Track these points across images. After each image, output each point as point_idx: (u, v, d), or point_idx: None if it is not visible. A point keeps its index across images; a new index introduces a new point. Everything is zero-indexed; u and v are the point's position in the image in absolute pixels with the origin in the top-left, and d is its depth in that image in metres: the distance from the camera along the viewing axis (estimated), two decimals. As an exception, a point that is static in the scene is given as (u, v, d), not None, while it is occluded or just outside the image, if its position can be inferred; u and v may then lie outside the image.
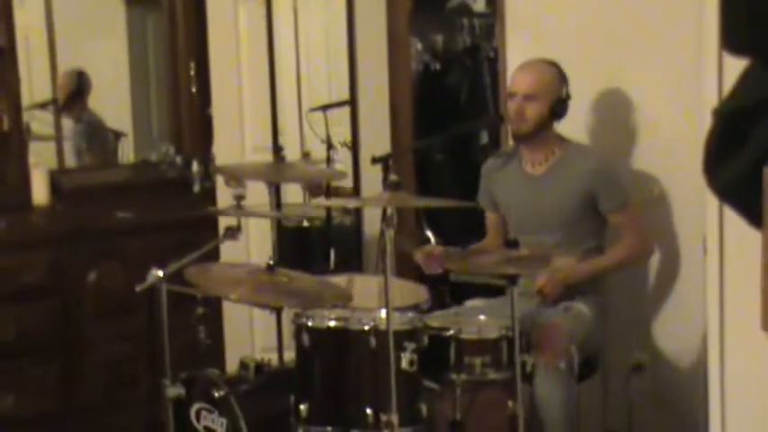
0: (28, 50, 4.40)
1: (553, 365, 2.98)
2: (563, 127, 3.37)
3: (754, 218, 1.31)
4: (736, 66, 1.32)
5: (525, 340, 2.81)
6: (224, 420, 2.93)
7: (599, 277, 3.34)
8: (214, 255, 3.61)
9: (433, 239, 4.73)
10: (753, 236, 1.33)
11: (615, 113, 3.54)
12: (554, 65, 3.32)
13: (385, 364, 2.65)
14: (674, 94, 3.37)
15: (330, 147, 4.60)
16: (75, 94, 4.72)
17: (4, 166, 4.27)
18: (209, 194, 4.39)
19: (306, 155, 4.71)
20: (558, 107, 3.29)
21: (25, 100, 4.36)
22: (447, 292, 3.81)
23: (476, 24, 5.40)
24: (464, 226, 3.60)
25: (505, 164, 3.44)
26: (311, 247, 4.62)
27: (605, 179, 3.26)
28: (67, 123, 4.69)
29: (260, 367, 3.09)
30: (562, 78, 3.31)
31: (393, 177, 2.90)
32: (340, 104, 4.63)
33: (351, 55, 4.49)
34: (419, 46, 5.28)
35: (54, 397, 4.04)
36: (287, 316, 3.31)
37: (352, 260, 4.48)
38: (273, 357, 3.36)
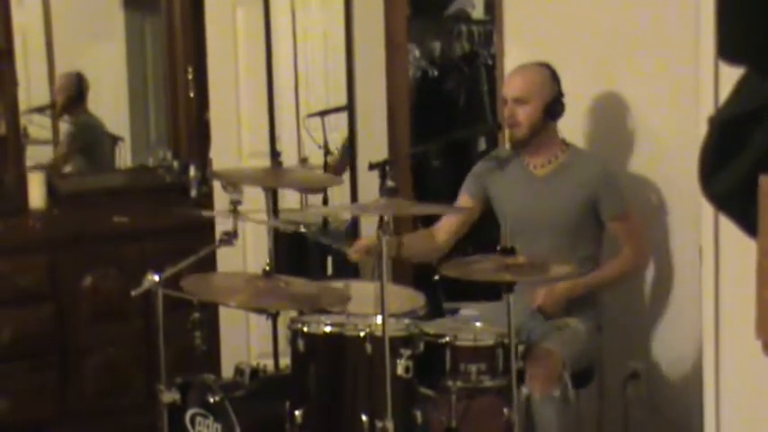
0: (26, 54, 4.40)
1: (548, 395, 2.97)
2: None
3: (749, 226, 1.31)
4: (732, 74, 1.32)
5: (521, 350, 2.81)
6: (219, 426, 2.92)
7: (596, 291, 3.33)
8: (210, 260, 3.61)
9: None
10: (748, 244, 1.33)
11: (612, 121, 3.55)
12: (545, 66, 3.31)
13: (380, 370, 2.64)
14: (671, 102, 3.37)
15: (327, 152, 4.60)
16: (75, 96, 4.72)
17: (0, 169, 4.27)
18: (207, 200, 4.39)
19: (303, 160, 4.71)
20: (552, 108, 3.27)
21: (22, 103, 4.36)
22: (442, 298, 3.81)
23: (474, 31, 5.40)
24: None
25: (506, 164, 3.41)
26: (308, 252, 4.62)
27: (609, 186, 3.25)
28: (65, 127, 4.69)
29: (255, 373, 3.09)
30: (554, 78, 3.29)
31: (390, 183, 2.90)
32: (337, 110, 4.63)
33: (348, 60, 4.49)
34: (417, 52, 5.28)
35: (49, 402, 4.03)
36: (283, 322, 3.31)
37: (349, 266, 4.47)
38: (269, 363, 3.36)
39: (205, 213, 3.76)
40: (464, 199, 3.46)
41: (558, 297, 3.17)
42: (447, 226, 3.46)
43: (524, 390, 2.85)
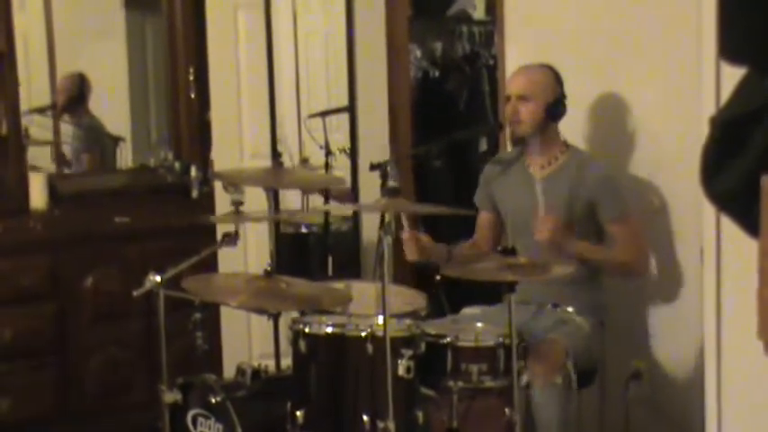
0: (27, 55, 4.40)
1: (550, 381, 2.96)
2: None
3: (750, 226, 1.31)
4: (734, 75, 1.32)
5: (521, 349, 2.81)
6: (220, 426, 2.92)
7: (597, 289, 3.33)
8: (212, 261, 3.62)
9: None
10: (749, 244, 1.33)
11: (613, 123, 3.54)
12: (548, 67, 3.32)
13: (382, 370, 2.65)
14: (673, 103, 3.37)
15: (329, 153, 4.61)
16: (76, 97, 4.72)
17: (1, 170, 4.27)
18: (208, 200, 4.39)
19: (304, 161, 4.71)
20: (554, 108, 3.28)
21: (24, 104, 4.36)
22: (444, 300, 3.81)
23: (475, 32, 5.40)
24: (462, 233, 3.60)
25: (509, 166, 3.42)
26: (309, 253, 4.62)
27: (607, 189, 3.24)
28: (66, 128, 4.69)
29: (257, 373, 3.09)
30: (557, 80, 3.30)
31: (391, 183, 2.90)
32: (339, 111, 4.64)
33: (350, 61, 4.50)
34: (418, 53, 5.28)
35: (50, 402, 4.03)
36: (284, 322, 3.31)
37: (350, 266, 4.48)
38: (270, 363, 3.36)
39: (210, 219, 3.76)
40: (483, 216, 3.50)
41: (558, 228, 3.12)
42: (485, 238, 3.49)
43: (525, 378, 2.82)
